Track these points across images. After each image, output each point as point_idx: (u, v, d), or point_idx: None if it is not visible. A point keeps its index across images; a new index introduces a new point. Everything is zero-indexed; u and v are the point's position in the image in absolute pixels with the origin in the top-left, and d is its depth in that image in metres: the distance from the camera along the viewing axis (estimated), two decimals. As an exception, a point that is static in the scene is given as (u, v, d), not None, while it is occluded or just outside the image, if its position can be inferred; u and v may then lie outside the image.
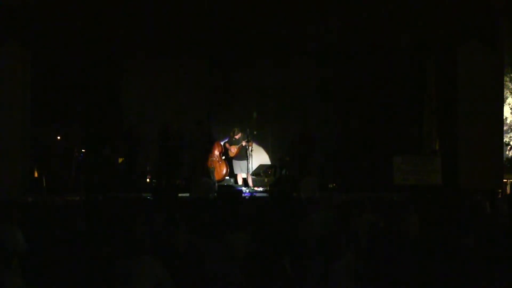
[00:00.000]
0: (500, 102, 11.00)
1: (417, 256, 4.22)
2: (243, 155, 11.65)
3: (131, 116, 12.64)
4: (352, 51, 12.24)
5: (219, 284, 4.35)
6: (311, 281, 4.19)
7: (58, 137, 11.74)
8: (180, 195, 9.11)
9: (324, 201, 6.84)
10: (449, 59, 11.13)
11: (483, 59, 10.63)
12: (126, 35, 11.66)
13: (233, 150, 11.78)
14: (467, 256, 4.29)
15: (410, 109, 12.44)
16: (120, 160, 11.70)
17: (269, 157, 12.97)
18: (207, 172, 11.71)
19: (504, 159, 11.33)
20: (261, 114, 12.28)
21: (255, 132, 11.96)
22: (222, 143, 12.10)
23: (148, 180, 12.08)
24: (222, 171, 11.87)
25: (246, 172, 11.63)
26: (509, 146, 11.77)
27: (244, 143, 11.63)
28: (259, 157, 12.66)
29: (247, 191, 11.21)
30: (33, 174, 11.19)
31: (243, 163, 11.66)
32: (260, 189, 11.59)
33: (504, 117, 11.29)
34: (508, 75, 11.61)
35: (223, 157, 11.97)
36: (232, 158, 11.86)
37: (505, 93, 11.45)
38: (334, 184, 12.03)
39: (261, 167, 12.42)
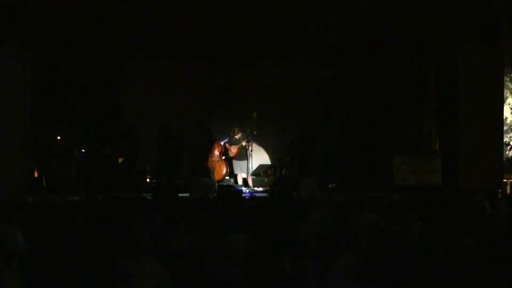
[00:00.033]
0: (500, 102, 11.00)
1: (417, 256, 4.22)
2: (243, 155, 11.65)
3: (131, 116, 12.64)
4: (352, 51, 12.23)
5: (219, 284, 4.35)
6: (311, 281, 4.18)
7: (58, 137, 11.74)
8: (180, 195, 9.11)
9: (324, 201, 6.83)
10: (449, 59, 11.14)
11: (483, 59, 10.64)
12: (126, 35, 11.67)
13: (233, 150, 11.78)
14: (467, 256, 4.29)
15: (410, 109, 12.43)
16: (120, 160, 11.70)
17: (269, 157, 12.97)
18: (207, 172, 11.71)
19: (504, 159, 11.33)
20: (261, 114, 12.29)
21: (255, 132, 11.97)
22: (222, 143, 12.10)
23: (148, 180, 12.08)
24: (222, 171, 11.87)
25: (246, 172, 11.63)
26: (509, 146, 11.77)
27: (244, 143, 11.63)
28: (259, 157, 12.66)
29: (247, 191, 11.21)
30: (33, 174, 11.19)
31: (243, 163, 11.66)
32: (260, 189, 11.59)
33: (504, 117, 11.29)
34: (508, 75, 11.60)
35: (223, 157, 11.97)
36: (232, 158, 11.86)
37: (505, 93, 11.45)
38: (334, 184, 12.03)
39: (261, 167, 12.43)
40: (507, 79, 11.62)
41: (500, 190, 10.39)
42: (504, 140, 11.43)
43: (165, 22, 11.28)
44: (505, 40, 11.09)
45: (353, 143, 12.35)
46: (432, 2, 10.82)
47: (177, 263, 4.45)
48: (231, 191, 9.01)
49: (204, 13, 11.06)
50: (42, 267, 4.12)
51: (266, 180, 11.95)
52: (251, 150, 11.61)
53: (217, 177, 11.75)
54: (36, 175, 11.21)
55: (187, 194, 10.12)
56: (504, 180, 10.81)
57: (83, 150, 11.39)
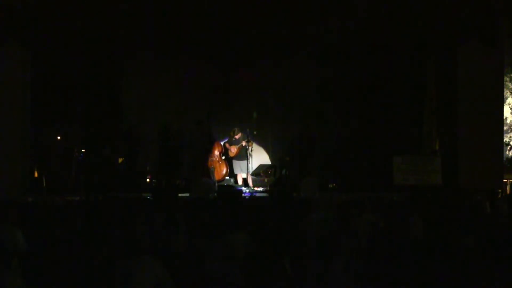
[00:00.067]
0: (500, 102, 11.01)
1: (417, 256, 4.22)
2: (243, 155, 11.65)
3: (131, 116, 12.63)
4: (352, 51, 12.23)
5: (219, 284, 4.35)
6: (311, 281, 4.18)
7: (58, 137, 11.74)
8: (180, 195, 9.10)
9: (324, 201, 6.83)
10: (449, 59, 11.14)
11: (483, 59, 10.64)
12: (126, 35, 11.67)
13: (233, 150, 11.77)
14: (467, 256, 4.29)
15: (410, 109, 12.42)
16: (120, 160, 11.70)
17: (269, 157, 12.97)
18: (207, 172, 11.70)
19: (504, 159, 11.34)
20: (261, 114, 12.28)
21: (255, 132, 11.96)
22: (222, 143, 12.10)
23: (148, 180, 12.08)
24: (222, 171, 11.87)
25: (246, 172, 11.62)
26: (509, 146, 11.78)
27: (244, 143, 11.62)
28: (259, 157, 12.65)
29: (247, 191, 11.20)
30: (33, 174, 11.20)
31: (243, 163, 11.66)
32: (260, 189, 11.58)
33: (504, 117, 11.29)
34: (508, 75, 11.61)
35: (223, 157, 11.97)
36: (232, 158, 11.86)
37: (505, 93, 11.46)
38: (334, 184, 12.04)
39: (261, 167, 12.42)
40: (507, 79, 11.64)
41: (500, 190, 10.39)
42: (504, 140, 11.44)
43: (165, 22, 11.28)
44: (505, 40, 11.10)
45: (353, 143, 12.34)
46: (432, 2, 10.82)
47: (177, 263, 4.46)
48: (231, 191, 9.02)
49: (204, 13, 11.05)
50: (42, 267, 4.13)
51: (266, 180, 11.94)
52: (251, 150, 11.60)
53: (217, 177, 11.74)
54: (36, 175, 11.21)
55: (187, 194, 10.11)
56: (504, 180, 10.82)
57: (83, 150, 11.38)
